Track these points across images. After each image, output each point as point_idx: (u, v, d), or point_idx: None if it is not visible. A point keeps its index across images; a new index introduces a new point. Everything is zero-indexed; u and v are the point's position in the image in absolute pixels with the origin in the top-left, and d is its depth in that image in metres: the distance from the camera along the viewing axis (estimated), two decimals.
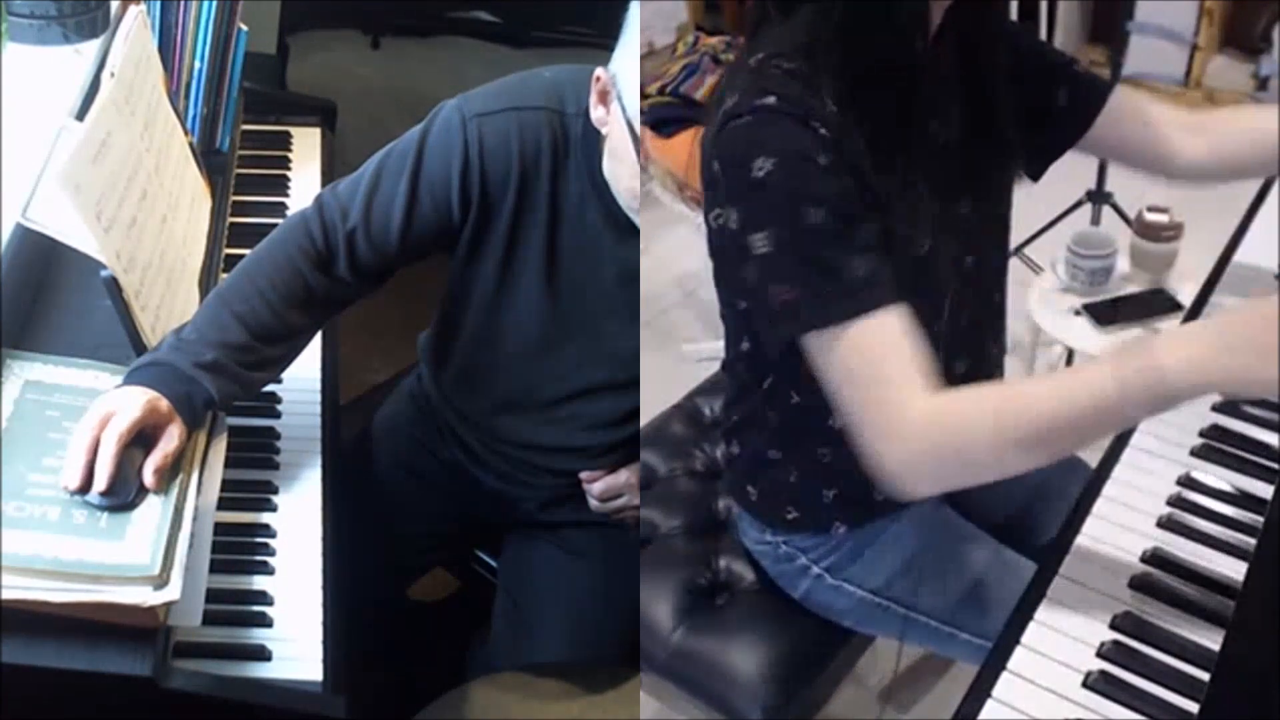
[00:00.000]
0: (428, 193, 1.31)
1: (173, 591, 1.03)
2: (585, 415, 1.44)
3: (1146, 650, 1.01)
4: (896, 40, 1.08)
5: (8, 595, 0.98)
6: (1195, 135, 1.37)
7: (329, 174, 1.90)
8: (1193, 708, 0.96)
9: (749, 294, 1.12)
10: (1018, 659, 1.00)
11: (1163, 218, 2.19)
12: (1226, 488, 1.19)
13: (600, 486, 1.48)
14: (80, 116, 1.28)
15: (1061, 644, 1.02)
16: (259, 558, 1.26)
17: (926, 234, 1.16)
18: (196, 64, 1.67)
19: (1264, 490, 1.19)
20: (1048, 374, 1.06)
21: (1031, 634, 1.02)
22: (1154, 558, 1.10)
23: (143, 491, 1.11)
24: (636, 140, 1.23)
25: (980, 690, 0.98)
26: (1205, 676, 0.98)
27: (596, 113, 1.25)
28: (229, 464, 1.22)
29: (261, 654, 1.17)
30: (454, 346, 1.47)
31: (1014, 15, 4.19)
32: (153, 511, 1.09)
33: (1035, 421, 1.01)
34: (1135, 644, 1.02)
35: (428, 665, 1.75)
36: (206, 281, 1.47)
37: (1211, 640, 1.02)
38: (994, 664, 1.00)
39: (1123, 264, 2.26)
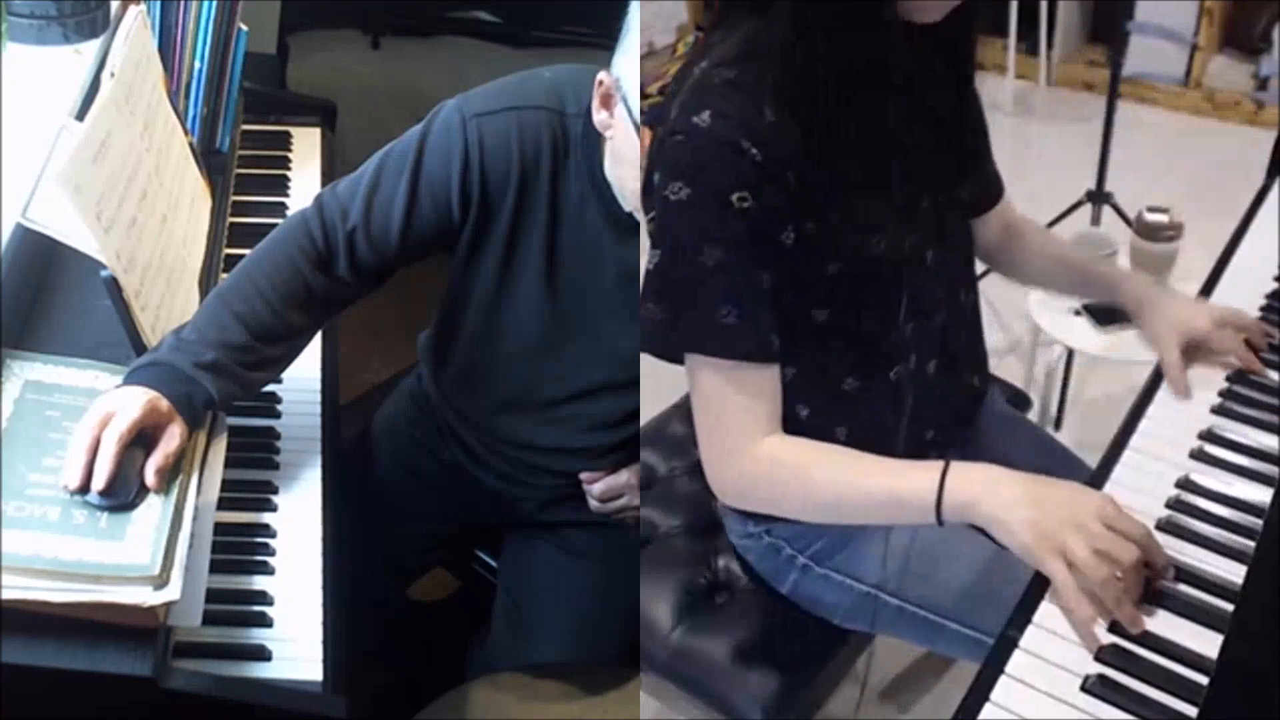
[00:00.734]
0: (428, 193, 1.31)
1: (173, 591, 1.03)
2: (585, 415, 1.44)
3: (1145, 654, 1.01)
4: (853, 31, 1.10)
5: (8, 595, 0.98)
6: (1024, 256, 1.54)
7: (329, 174, 1.90)
8: (1191, 711, 0.96)
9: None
10: (1016, 662, 1.00)
11: (1163, 218, 2.19)
12: (1225, 490, 1.19)
13: (600, 487, 1.48)
14: (80, 116, 1.28)
15: (1060, 647, 1.01)
16: (259, 558, 1.27)
17: (880, 230, 1.19)
18: (196, 64, 1.67)
19: (1262, 493, 1.19)
20: (875, 461, 1.17)
21: (1030, 637, 1.02)
22: None
23: (143, 491, 1.11)
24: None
25: (978, 693, 0.97)
26: (1204, 680, 0.98)
27: (599, 116, 1.25)
28: (229, 464, 1.22)
29: (261, 654, 1.17)
30: (454, 346, 1.47)
31: (1014, 15, 4.20)
32: (153, 511, 1.09)
33: (844, 499, 1.16)
34: (1134, 648, 1.01)
35: (428, 665, 1.75)
36: (206, 281, 1.47)
37: (1210, 644, 1.02)
38: (992, 667, 1.00)
39: (1123, 264, 2.26)
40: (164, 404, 1.15)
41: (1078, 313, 2.19)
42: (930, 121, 1.25)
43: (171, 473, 1.13)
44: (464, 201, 1.31)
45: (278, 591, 1.23)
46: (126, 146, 1.30)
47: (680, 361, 1.19)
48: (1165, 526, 1.14)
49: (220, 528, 1.18)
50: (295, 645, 1.19)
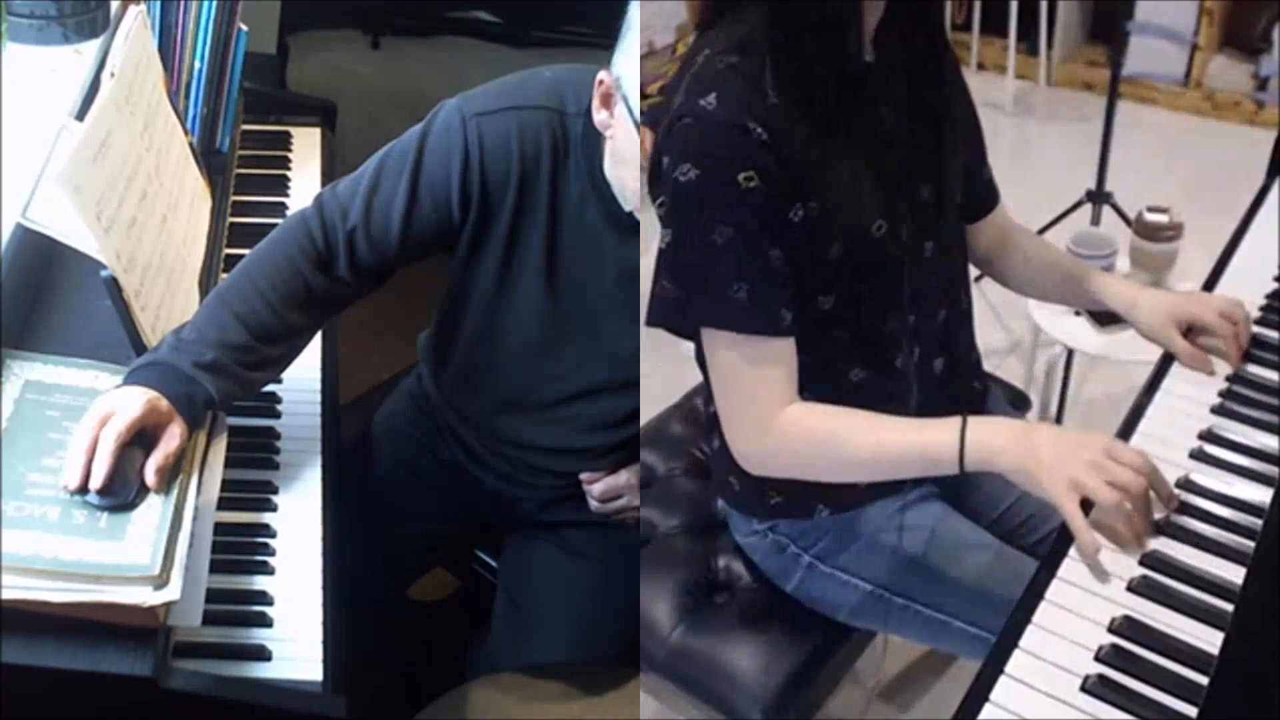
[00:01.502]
0: (428, 193, 1.31)
1: (173, 591, 1.03)
2: (585, 416, 1.44)
3: (1145, 654, 1.01)
4: (829, 37, 1.15)
5: (8, 595, 0.98)
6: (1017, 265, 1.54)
7: (329, 174, 1.90)
8: (1191, 711, 0.96)
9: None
10: (1016, 662, 1.00)
11: (1163, 218, 2.19)
12: (1225, 490, 1.19)
13: (600, 487, 1.48)
14: (80, 116, 1.28)
15: (1060, 647, 1.02)
16: (259, 558, 1.27)
17: (879, 216, 1.22)
18: (196, 64, 1.67)
19: (1262, 493, 1.19)
20: (895, 419, 1.22)
21: (1030, 637, 1.02)
22: (1152, 561, 1.10)
23: (143, 491, 1.11)
24: None
25: (978, 693, 0.97)
26: (1204, 680, 0.98)
27: (599, 115, 1.25)
28: (229, 464, 1.22)
29: (261, 654, 1.17)
30: (454, 346, 1.47)
31: (1014, 15, 4.20)
32: (153, 511, 1.09)
33: (871, 453, 1.19)
34: (1134, 647, 1.01)
35: (428, 665, 1.75)
36: (206, 281, 1.47)
37: (1210, 644, 1.02)
38: (992, 667, 1.00)
39: (1123, 264, 2.26)
40: (164, 404, 1.15)
41: (1078, 313, 2.19)
42: (924, 116, 1.27)
43: (171, 473, 1.13)
44: (464, 201, 1.31)
45: (278, 591, 1.23)
46: (126, 146, 1.30)
47: (694, 337, 1.23)
48: (1165, 527, 1.14)
49: (220, 528, 1.18)
50: (295, 645, 1.19)
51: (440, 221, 1.32)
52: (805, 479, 1.27)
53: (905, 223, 1.25)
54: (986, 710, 0.96)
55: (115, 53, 1.35)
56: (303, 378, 1.49)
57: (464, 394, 1.50)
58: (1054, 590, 1.07)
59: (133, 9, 1.44)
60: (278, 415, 1.45)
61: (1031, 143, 3.98)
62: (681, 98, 1.15)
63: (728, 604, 1.47)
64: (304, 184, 1.86)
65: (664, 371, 2.18)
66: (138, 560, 1.04)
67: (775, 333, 1.18)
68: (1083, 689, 0.98)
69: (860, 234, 1.20)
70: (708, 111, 1.12)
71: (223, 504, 1.19)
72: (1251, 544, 1.12)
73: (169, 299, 1.35)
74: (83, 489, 1.08)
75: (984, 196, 1.48)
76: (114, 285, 1.21)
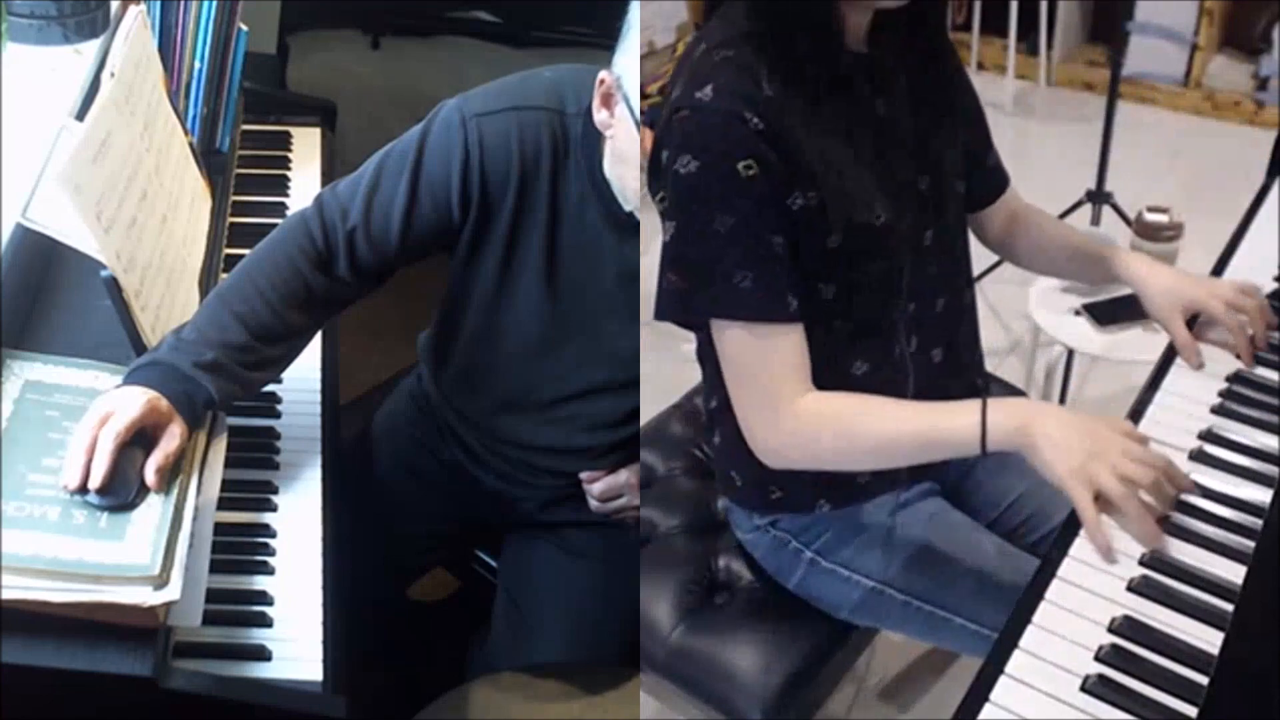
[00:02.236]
0: (427, 193, 1.31)
1: (173, 591, 1.03)
2: (585, 415, 1.44)
3: (1145, 654, 1.01)
4: (810, 31, 1.16)
5: (8, 595, 0.98)
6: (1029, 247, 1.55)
7: (329, 174, 1.90)
8: (1191, 711, 0.96)
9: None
10: (1016, 662, 1.00)
11: (1163, 218, 2.19)
12: (1225, 490, 1.19)
13: (600, 487, 1.48)
14: (80, 116, 1.28)
15: (1060, 647, 1.02)
16: (259, 558, 1.27)
17: (879, 204, 1.22)
18: (196, 64, 1.67)
19: (1263, 493, 1.19)
20: (912, 403, 1.24)
21: (1030, 637, 1.02)
22: (1153, 561, 1.10)
23: (143, 491, 1.11)
24: None
25: (978, 693, 0.97)
26: (1204, 680, 0.98)
27: (600, 115, 1.25)
28: (229, 464, 1.22)
29: (261, 654, 1.17)
30: (454, 346, 1.47)
31: (1014, 15, 4.19)
32: (153, 511, 1.09)
33: (891, 437, 1.19)
34: (1134, 647, 1.01)
35: (428, 665, 1.75)
36: (206, 281, 1.47)
37: (1210, 644, 1.02)
38: (992, 667, 1.00)
39: None
40: (164, 404, 1.15)
41: (1078, 313, 2.19)
42: (923, 109, 1.28)
43: (171, 472, 1.13)
44: (464, 201, 1.31)
45: (278, 591, 1.23)
46: (126, 146, 1.30)
47: (701, 328, 1.24)
48: (1165, 526, 1.14)
49: (220, 528, 1.18)
50: (295, 645, 1.19)
51: (440, 221, 1.32)
52: (824, 468, 1.27)
53: (905, 212, 1.26)
54: (986, 710, 0.96)
55: (115, 53, 1.35)
56: (303, 378, 1.49)
57: (464, 394, 1.50)
58: (1054, 590, 1.07)
59: (133, 9, 1.44)
60: (278, 415, 1.45)
61: (1031, 143, 3.98)
62: (678, 90, 1.16)
63: (728, 604, 1.47)
64: (304, 184, 1.86)
65: (664, 371, 2.18)
66: (138, 560, 1.04)
67: (783, 319, 1.19)
68: (1083, 689, 0.98)
69: (859, 223, 1.21)
70: (704, 103, 1.13)
71: (223, 504, 1.19)
72: (1251, 544, 1.12)
73: (169, 299, 1.35)
74: (82, 489, 1.08)
75: (992, 182, 1.48)
76: (114, 285, 1.21)
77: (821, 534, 1.38)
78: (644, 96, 1.23)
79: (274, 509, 1.33)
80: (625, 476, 1.48)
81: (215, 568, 1.14)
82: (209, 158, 1.68)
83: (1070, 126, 3.92)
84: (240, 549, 1.26)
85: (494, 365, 1.44)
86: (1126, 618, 1.04)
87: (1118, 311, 2.16)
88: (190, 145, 1.58)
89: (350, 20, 2.93)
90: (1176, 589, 1.07)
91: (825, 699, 1.54)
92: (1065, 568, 1.09)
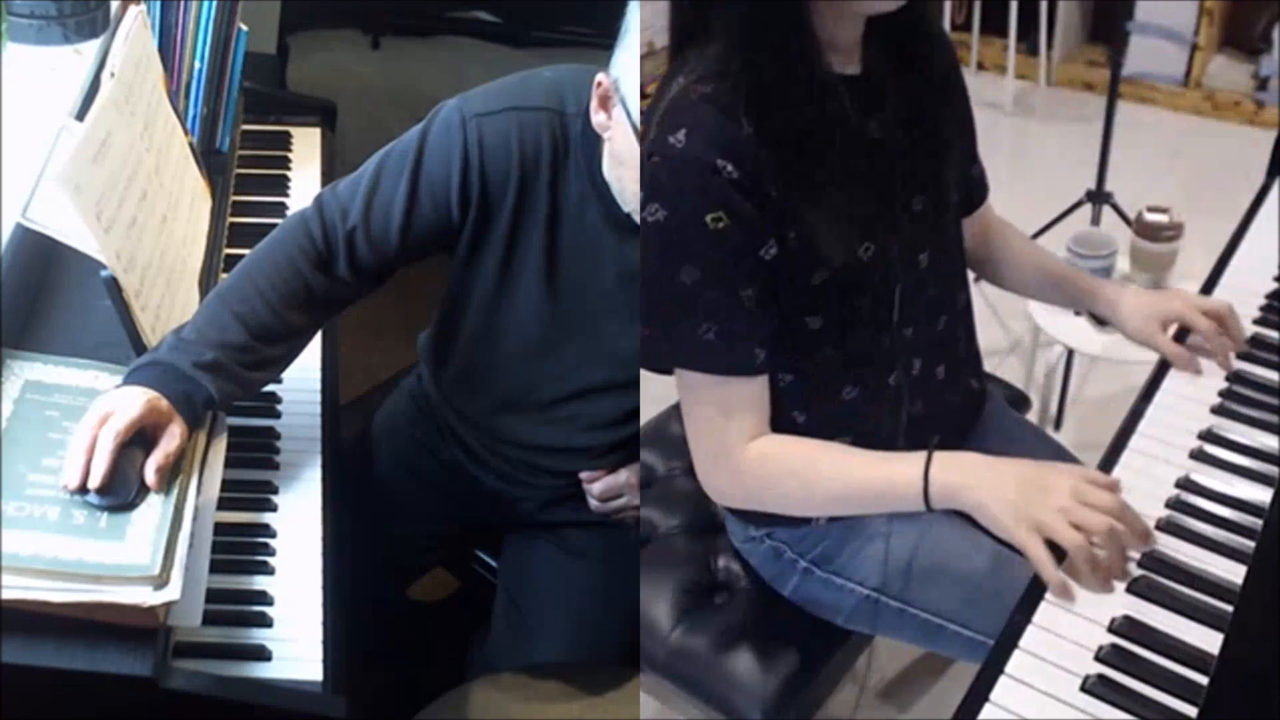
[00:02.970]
0: (427, 193, 1.31)
1: (173, 591, 1.03)
2: (585, 415, 1.44)
3: (1145, 654, 1.01)
4: (795, 64, 1.12)
5: (8, 595, 0.98)
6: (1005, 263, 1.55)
7: (329, 174, 1.90)
8: (1191, 711, 0.96)
9: None
10: (1016, 662, 1.00)
11: (1163, 218, 2.19)
12: (1225, 490, 1.19)
13: (600, 486, 1.48)
14: (80, 116, 1.28)
15: (1060, 647, 1.02)
16: (259, 558, 1.27)
17: (867, 237, 1.20)
18: (196, 64, 1.67)
19: (1262, 493, 1.19)
20: (863, 454, 1.22)
21: (1029, 637, 1.02)
22: (1152, 561, 1.10)
23: (143, 491, 1.11)
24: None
25: (978, 693, 0.97)
26: (1204, 680, 0.98)
27: (597, 117, 1.25)
28: (229, 464, 1.22)
29: (261, 654, 1.17)
30: (454, 346, 1.47)
31: (1014, 15, 4.19)
32: (153, 511, 1.09)
33: (835, 491, 1.20)
34: (1133, 647, 1.01)
35: (428, 665, 1.75)
36: (206, 281, 1.47)
37: (1210, 644, 1.02)
38: (992, 667, 1.00)
39: (1123, 264, 2.26)
40: (164, 403, 1.15)
41: (1078, 313, 2.19)
42: (918, 124, 1.25)
43: (171, 472, 1.13)
44: (464, 201, 1.31)
45: (278, 591, 1.23)
46: (126, 146, 1.30)
47: (671, 373, 1.23)
48: (1165, 526, 1.14)
49: (220, 528, 1.18)
50: (295, 645, 1.19)
51: (440, 221, 1.32)
52: (772, 512, 1.28)
53: (899, 237, 1.24)
54: (986, 710, 0.96)
55: (115, 53, 1.35)
56: (303, 378, 1.49)
57: (464, 394, 1.50)
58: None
59: (133, 9, 1.44)
60: (278, 415, 1.45)
61: (1031, 143, 3.98)
62: (654, 133, 1.14)
63: (727, 604, 1.47)
64: (304, 184, 1.86)
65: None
66: (138, 560, 1.04)
67: (745, 373, 1.18)
68: (1083, 689, 0.98)
69: (845, 259, 1.19)
70: (676, 150, 1.11)
71: (223, 504, 1.19)
72: (1251, 544, 1.12)
73: (169, 299, 1.35)
74: (82, 489, 1.08)
75: (973, 193, 1.46)
76: (114, 285, 1.21)
77: (816, 544, 1.38)
78: (643, 97, 1.22)
79: (274, 509, 1.33)
80: (625, 476, 1.48)
81: (215, 568, 1.14)
82: (209, 158, 1.68)
83: (1070, 126, 3.92)
84: (240, 549, 1.26)
85: (494, 365, 1.44)
86: (1126, 618, 1.04)
87: None
88: (190, 145, 1.58)
89: (350, 20, 2.94)
90: (1176, 589, 1.07)
91: (825, 699, 1.54)
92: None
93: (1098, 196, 2.93)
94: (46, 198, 1.20)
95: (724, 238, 1.12)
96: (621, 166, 1.26)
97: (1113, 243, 2.25)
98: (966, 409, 1.43)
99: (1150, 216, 2.20)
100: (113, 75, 1.29)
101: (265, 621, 1.20)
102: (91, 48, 1.63)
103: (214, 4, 1.64)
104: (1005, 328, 2.85)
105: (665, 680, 1.44)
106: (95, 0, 1.66)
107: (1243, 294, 1.50)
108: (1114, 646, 1.01)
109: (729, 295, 1.15)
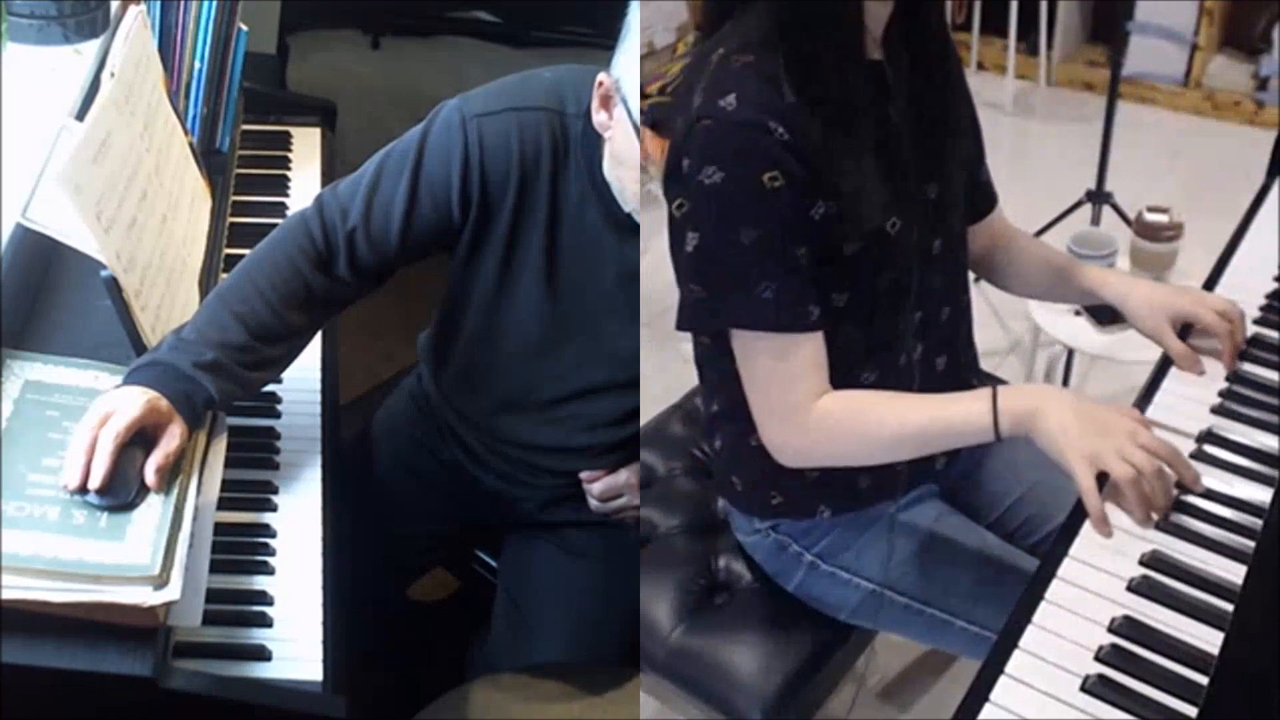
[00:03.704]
0: (428, 193, 1.31)
1: (173, 591, 1.03)
2: (585, 415, 1.44)
3: (1145, 654, 1.01)
4: (838, 36, 1.17)
5: (8, 595, 0.98)
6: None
7: (329, 174, 1.90)
8: (1191, 711, 0.96)
9: (678, 279, 1.24)
10: (1016, 662, 1.00)
11: (1163, 218, 2.19)
12: (1226, 490, 1.19)
13: (600, 486, 1.48)
14: (80, 116, 1.28)
15: (1060, 647, 1.02)
16: (259, 558, 1.27)
17: (893, 213, 1.23)
18: (196, 64, 1.67)
19: (1262, 493, 1.19)
20: (924, 397, 1.24)
21: (1030, 637, 1.02)
22: (1153, 560, 1.10)
23: (143, 491, 1.11)
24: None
25: (978, 693, 0.97)
26: (1204, 680, 0.98)
27: (599, 117, 1.25)
28: (229, 464, 1.22)
29: (261, 654, 1.17)
30: (454, 346, 1.47)
31: (1014, 15, 4.19)
32: (153, 511, 1.09)
33: (908, 432, 1.20)
34: (1134, 647, 1.01)
35: (428, 665, 1.75)
36: (206, 281, 1.47)
37: (1210, 644, 1.02)
38: (992, 667, 1.00)
39: (1123, 264, 2.26)
40: (164, 404, 1.15)
41: (1078, 313, 2.19)
42: (930, 115, 1.27)
43: (171, 472, 1.13)
44: (464, 201, 1.31)
45: (278, 591, 1.23)
46: (126, 146, 1.30)
47: (722, 336, 1.24)
48: (1166, 526, 1.14)
49: (220, 528, 1.18)
50: (295, 645, 1.19)
51: (440, 221, 1.32)
52: (843, 464, 1.29)
53: (916, 220, 1.26)
54: (986, 710, 0.96)
55: (115, 53, 1.35)
56: (303, 378, 1.49)
57: (464, 394, 1.50)
58: (1054, 590, 1.07)
59: (133, 9, 1.44)
60: (278, 415, 1.45)
61: (1031, 143, 3.98)
62: (699, 99, 1.15)
63: (728, 604, 1.47)
64: (304, 184, 1.86)
65: (664, 371, 2.18)
66: (138, 560, 1.04)
67: (804, 328, 1.19)
68: (1083, 689, 0.98)
69: (875, 231, 1.21)
70: (727, 112, 1.13)
71: (223, 504, 1.19)
72: (1251, 544, 1.12)
73: (169, 299, 1.35)
74: (82, 489, 1.08)
75: (981, 199, 1.48)
76: (114, 285, 1.21)
77: (822, 538, 1.38)
78: (643, 96, 1.23)
79: (274, 509, 1.33)
80: (625, 476, 1.48)
81: (215, 568, 1.14)
82: (209, 158, 1.68)
83: (1070, 126, 3.92)
84: (240, 549, 1.26)
85: (494, 365, 1.44)
86: (1126, 618, 1.04)
87: (1117, 311, 2.16)
88: (190, 145, 1.58)
89: (350, 20, 2.94)
90: (1176, 589, 1.07)
91: (825, 699, 1.54)
92: (1065, 568, 1.09)
93: (1098, 196, 2.93)
94: (46, 198, 1.20)
95: (780, 197, 1.14)
96: (622, 166, 1.26)
97: (1113, 242, 2.25)
98: None
99: (1150, 216, 2.20)
100: (113, 75, 1.29)
101: (265, 621, 1.20)
102: (91, 48, 1.63)
103: (214, 4, 1.64)
104: (1005, 328, 2.85)
105: (665, 680, 1.44)
106: (95, 0, 1.66)
107: (1243, 294, 1.50)
108: (1114, 646, 1.01)
109: (787, 254, 1.16)
